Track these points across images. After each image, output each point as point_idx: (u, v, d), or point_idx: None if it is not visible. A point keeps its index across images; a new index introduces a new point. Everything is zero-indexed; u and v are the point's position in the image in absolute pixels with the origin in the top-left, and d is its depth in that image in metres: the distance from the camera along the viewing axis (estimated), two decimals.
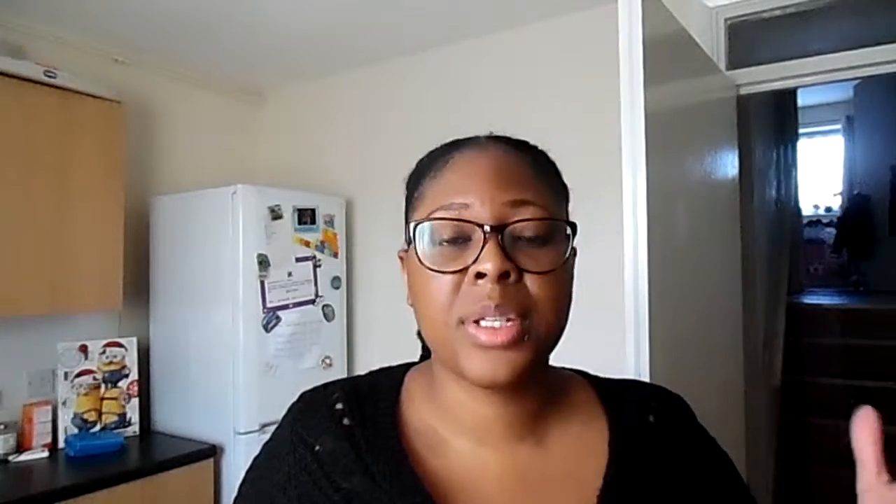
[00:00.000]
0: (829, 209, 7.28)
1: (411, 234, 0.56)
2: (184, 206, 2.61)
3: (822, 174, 7.25)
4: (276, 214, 2.51)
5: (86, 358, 2.45)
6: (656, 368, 1.36)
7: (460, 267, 0.53)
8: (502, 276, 0.51)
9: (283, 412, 0.65)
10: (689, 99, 1.80)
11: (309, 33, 2.59)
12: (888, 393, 3.44)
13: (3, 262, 2.08)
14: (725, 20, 2.17)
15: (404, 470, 0.56)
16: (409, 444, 0.59)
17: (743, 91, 2.11)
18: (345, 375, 2.65)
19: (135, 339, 2.59)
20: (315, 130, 3.17)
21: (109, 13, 2.37)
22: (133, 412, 2.55)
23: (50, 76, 2.19)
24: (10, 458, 2.19)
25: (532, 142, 0.64)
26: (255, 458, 0.65)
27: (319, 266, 2.68)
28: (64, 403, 2.37)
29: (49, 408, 2.34)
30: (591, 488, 0.57)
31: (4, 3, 2.26)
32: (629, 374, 1.35)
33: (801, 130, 5.29)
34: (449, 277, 0.53)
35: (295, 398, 0.66)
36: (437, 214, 0.55)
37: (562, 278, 0.55)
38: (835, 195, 7.22)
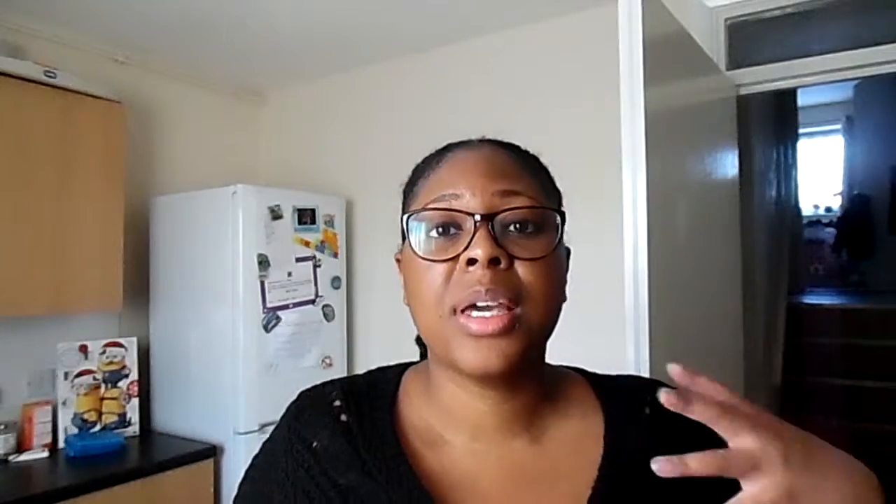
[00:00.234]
0: (829, 209, 7.27)
1: (404, 227, 0.58)
2: (184, 206, 2.61)
3: (822, 174, 7.24)
4: (276, 214, 2.51)
5: (86, 358, 2.45)
6: (656, 368, 1.36)
7: (452, 255, 0.54)
8: (493, 262, 0.52)
9: (283, 411, 0.65)
10: (689, 99, 1.80)
11: (309, 33, 2.59)
12: (888, 393, 3.44)
13: (3, 262, 2.08)
14: (725, 20, 2.17)
15: (400, 466, 0.57)
16: (406, 441, 0.60)
17: (743, 91, 2.11)
18: (344, 375, 2.65)
19: (135, 339, 2.59)
20: (315, 130, 3.17)
21: (110, 13, 2.37)
22: (133, 412, 2.55)
23: (50, 76, 2.19)
24: (10, 458, 2.19)
25: (530, 144, 0.66)
26: (255, 457, 0.66)
27: (319, 266, 2.68)
28: (64, 403, 2.37)
29: (49, 408, 2.34)
30: (585, 482, 0.57)
31: (4, 3, 2.26)
32: (625, 373, 1.35)
33: (801, 130, 5.29)
34: (441, 267, 0.55)
35: (294, 397, 0.66)
36: (430, 206, 0.57)
37: (553, 267, 0.56)
38: (835, 195, 7.21)
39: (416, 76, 2.83)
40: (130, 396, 2.55)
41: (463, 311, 0.53)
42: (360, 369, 2.88)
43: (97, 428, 2.44)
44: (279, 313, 2.50)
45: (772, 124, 3.98)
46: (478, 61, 2.65)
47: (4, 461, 2.17)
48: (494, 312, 0.52)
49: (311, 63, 2.95)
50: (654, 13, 1.46)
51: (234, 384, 2.39)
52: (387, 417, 0.61)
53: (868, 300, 4.85)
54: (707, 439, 0.65)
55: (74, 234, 2.27)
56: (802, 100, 5.03)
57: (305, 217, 2.63)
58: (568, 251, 0.63)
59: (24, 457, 2.20)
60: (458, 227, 0.55)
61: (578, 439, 0.61)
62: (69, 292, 2.26)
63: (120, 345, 2.54)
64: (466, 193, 0.55)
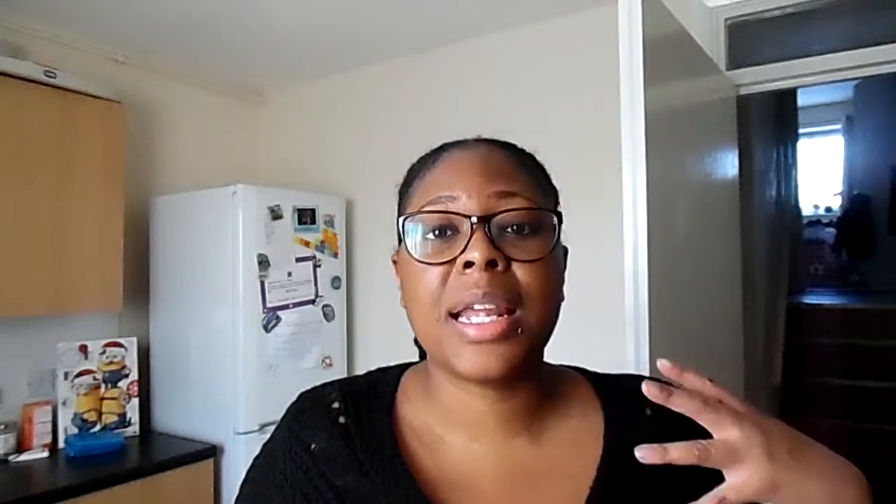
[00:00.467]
0: (829, 209, 7.27)
1: (400, 229, 0.57)
2: (184, 206, 2.61)
3: (822, 174, 7.24)
4: (276, 214, 2.51)
5: (86, 358, 2.45)
6: (656, 368, 1.36)
7: (449, 258, 0.54)
8: (490, 265, 0.52)
9: (283, 412, 0.66)
10: (689, 99, 1.80)
11: (309, 33, 2.59)
12: (888, 393, 3.44)
13: (3, 262, 2.08)
14: (725, 20, 2.17)
15: (398, 466, 0.57)
16: (405, 442, 0.60)
17: (743, 91, 2.11)
18: (345, 375, 2.65)
19: (135, 339, 2.59)
20: (315, 130, 3.17)
21: (110, 13, 2.37)
22: (133, 412, 2.55)
23: (50, 76, 2.19)
24: (10, 458, 2.19)
25: (530, 144, 0.66)
26: (255, 458, 0.66)
27: (319, 266, 2.68)
28: (64, 403, 2.37)
29: (49, 408, 2.34)
30: (584, 482, 0.57)
31: (4, 3, 2.26)
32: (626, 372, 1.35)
33: (801, 130, 5.29)
34: (438, 270, 0.54)
35: (294, 398, 0.66)
36: (426, 209, 0.56)
37: (550, 268, 0.55)
38: (835, 195, 7.21)
39: (416, 76, 2.83)
40: (130, 396, 2.55)
41: (460, 314, 0.53)
42: (360, 369, 2.88)
43: (97, 428, 2.44)
44: (279, 313, 2.50)
45: (772, 124, 3.98)
46: (478, 61, 2.65)
47: (4, 461, 2.17)
48: (494, 317, 0.52)
49: (311, 63, 2.95)
50: (654, 13, 1.46)
51: (234, 384, 2.39)
52: (385, 418, 0.61)
53: (868, 300, 4.85)
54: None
55: (74, 234, 2.27)
56: (802, 100, 5.03)
57: (305, 217, 2.63)
58: (566, 250, 0.62)
59: (24, 457, 2.20)
60: (455, 229, 0.55)
61: (578, 439, 0.61)
62: (69, 292, 2.26)
63: (120, 345, 2.54)
64: (462, 195, 0.55)
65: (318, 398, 0.64)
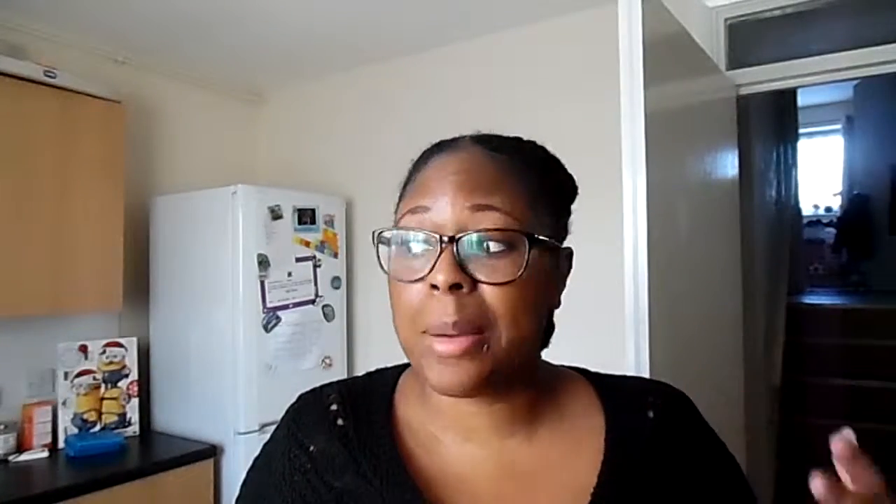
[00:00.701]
0: (829, 209, 7.28)
1: (374, 243, 0.57)
2: (184, 206, 2.61)
3: (822, 174, 7.25)
4: (276, 214, 2.51)
5: (86, 358, 2.45)
6: (656, 368, 1.36)
7: (420, 276, 0.53)
8: (455, 287, 0.51)
9: (283, 413, 0.66)
10: (689, 99, 1.80)
11: (309, 33, 2.59)
12: (888, 393, 3.44)
13: (3, 262, 2.08)
14: (725, 20, 2.17)
15: (395, 467, 0.57)
16: (402, 443, 0.60)
17: (743, 91, 2.11)
18: (345, 376, 2.65)
19: (135, 339, 2.59)
20: (315, 130, 3.17)
21: (109, 13, 2.37)
22: (133, 412, 2.55)
23: (50, 76, 2.19)
24: (10, 458, 2.19)
25: (530, 138, 0.64)
26: (255, 459, 0.66)
27: (319, 266, 2.68)
28: (64, 403, 2.37)
29: (49, 408, 2.34)
30: (585, 484, 0.57)
31: (4, 3, 2.26)
32: (629, 374, 1.35)
33: (801, 130, 5.29)
34: (413, 286, 0.54)
35: (294, 399, 0.66)
36: (405, 219, 0.55)
37: (523, 288, 0.53)
38: (835, 195, 7.22)
39: (416, 76, 2.83)
40: (130, 396, 2.55)
41: (431, 332, 0.53)
42: (360, 369, 2.88)
43: (97, 428, 2.44)
44: (279, 313, 2.50)
45: (772, 124, 3.98)
46: (478, 61, 2.65)
47: (4, 461, 2.17)
48: (461, 338, 0.51)
49: (311, 63, 2.95)
50: (654, 13, 1.46)
51: (234, 384, 2.39)
52: (383, 420, 0.61)
53: (868, 300, 4.85)
54: (710, 450, 0.64)
55: (74, 234, 2.27)
56: (802, 100, 5.03)
57: (305, 217, 2.63)
58: (570, 253, 0.62)
59: (24, 457, 2.20)
60: (430, 242, 0.54)
61: (577, 441, 0.60)
62: (69, 292, 2.26)
63: (120, 345, 2.54)
64: (437, 206, 0.54)
65: (317, 400, 0.64)
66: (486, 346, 0.52)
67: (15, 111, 2.12)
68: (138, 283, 2.66)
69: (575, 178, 0.65)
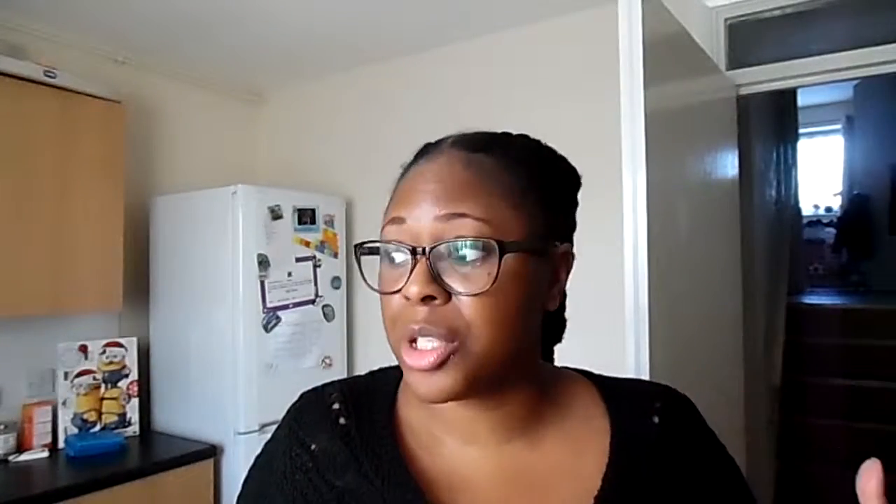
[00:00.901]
0: (829, 209, 7.28)
1: (355, 257, 0.58)
2: (184, 206, 2.61)
3: (822, 174, 7.25)
4: (276, 214, 2.51)
5: (86, 358, 2.45)
6: (656, 368, 1.36)
7: (398, 287, 0.53)
8: (428, 298, 0.51)
9: (284, 412, 0.66)
10: (689, 99, 1.80)
11: (309, 33, 2.59)
12: (888, 393, 3.44)
13: (3, 262, 2.08)
14: (725, 20, 2.17)
15: (396, 467, 0.57)
16: (404, 443, 0.60)
17: (743, 91, 2.11)
18: (345, 375, 2.65)
19: (135, 339, 2.59)
20: (315, 130, 3.17)
21: (109, 13, 2.37)
22: (133, 412, 2.55)
23: (50, 76, 2.19)
24: (10, 458, 2.19)
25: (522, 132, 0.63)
26: (256, 458, 0.66)
27: (319, 266, 2.68)
28: (64, 403, 2.37)
29: (49, 408, 2.34)
30: (588, 488, 0.57)
31: (4, 3, 2.26)
32: (629, 374, 1.35)
33: (801, 130, 5.29)
34: (393, 296, 0.54)
35: (295, 398, 0.66)
36: (385, 230, 0.56)
37: (499, 297, 0.51)
38: (835, 195, 7.22)
39: (416, 76, 2.83)
40: (130, 396, 2.55)
41: (405, 342, 0.53)
42: (361, 369, 2.88)
43: (97, 428, 2.44)
44: (279, 313, 2.50)
45: (772, 124, 3.98)
46: (478, 61, 2.65)
47: (4, 461, 2.17)
48: (434, 344, 0.51)
49: (311, 63, 2.95)
50: (654, 13, 1.46)
51: (234, 384, 2.39)
52: (385, 419, 0.61)
53: (868, 300, 4.85)
54: (712, 454, 0.64)
55: (74, 233, 2.27)
56: (802, 100, 5.03)
57: (305, 217, 2.63)
58: (567, 250, 0.60)
59: (24, 457, 2.20)
60: (406, 253, 0.53)
61: (581, 444, 0.60)
62: (69, 292, 2.26)
63: (120, 345, 2.54)
64: (411, 217, 0.53)
65: (319, 399, 0.64)
66: (454, 355, 0.51)
67: (15, 111, 2.12)
68: (138, 283, 2.66)
69: (578, 171, 0.64)
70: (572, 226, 0.63)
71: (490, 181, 0.54)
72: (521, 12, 2.42)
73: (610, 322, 1.56)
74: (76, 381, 2.41)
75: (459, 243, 0.51)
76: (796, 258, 5.00)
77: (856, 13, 2.00)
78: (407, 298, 0.51)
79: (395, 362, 0.70)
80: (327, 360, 2.69)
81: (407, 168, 0.60)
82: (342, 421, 0.61)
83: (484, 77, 2.62)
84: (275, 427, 0.66)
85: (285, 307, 2.52)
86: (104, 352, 2.49)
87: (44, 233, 2.19)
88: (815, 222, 6.94)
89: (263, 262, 2.45)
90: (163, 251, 2.67)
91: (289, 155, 3.27)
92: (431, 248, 0.52)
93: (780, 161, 4.32)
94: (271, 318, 2.47)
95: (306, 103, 3.20)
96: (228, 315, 2.41)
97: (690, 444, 0.63)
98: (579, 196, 0.64)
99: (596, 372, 0.68)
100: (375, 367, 0.69)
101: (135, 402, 2.55)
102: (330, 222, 2.75)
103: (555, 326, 0.68)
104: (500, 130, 0.62)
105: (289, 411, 0.65)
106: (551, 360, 0.71)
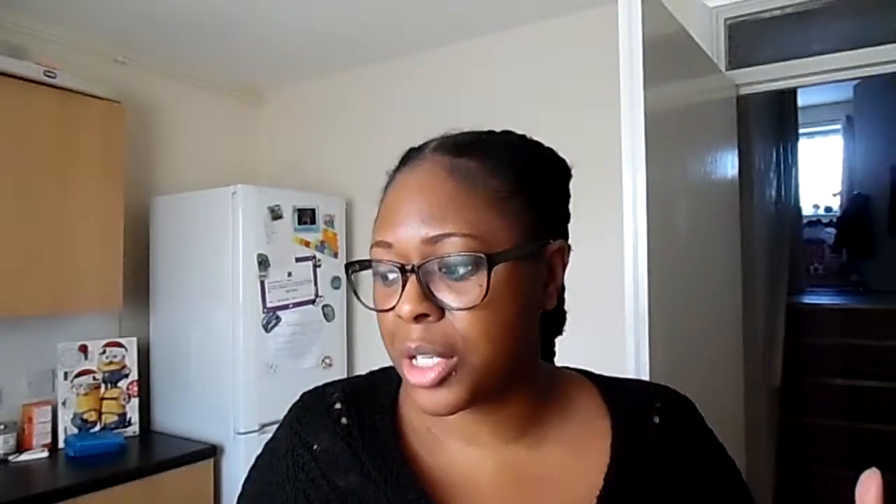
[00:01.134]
0: (829, 209, 7.29)
1: (347, 276, 0.58)
2: (184, 206, 2.61)
3: (822, 174, 7.25)
4: (276, 214, 2.51)
5: (86, 358, 2.45)
6: (656, 368, 1.36)
7: (391, 305, 0.53)
8: (421, 317, 0.51)
9: (284, 412, 0.66)
10: (689, 99, 1.80)
11: (309, 33, 2.59)
12: (888, 393, 3.44)
13: (3, 262, 2.08)
14: (725, 20, 2.17)
15: (399, 467, 0.57)
16: (406, 443, 0.60)
17: (743, 91, 2.11)
18: (345, 375, 2.65)
19: (135, 339, 2.59)
20: (315, 130, 3.17)
21: (109, 13, 2.37)
22: (133, 412, 2.55)
23: (50, 76, 2.19)
24: (10, 458, 2.19)
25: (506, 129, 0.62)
26: (258, 458, 0.66)
27: (319, 266, 2.68)
28: (64, 403, 2.37)
29: (49, 408, 2.34)
30: (590, 489, 0.57)
31: (4, 3, 2.26)
32: (629, 375, 1.35)
33: (801, 130, 5.30)
34: (388, 314, 0.53)
35: (296, 398, 0.66)
36: (373, 250, 0.55)
37: (493, 308, 0.51)
38: (835, 195, 7.22)
39: (416, 76, 2.83)
40: (130, 396, 2.55)
41: (405, 358, 0.53)
42: (361, 369, 2.88)
43: (97, 428, 2.44)
44: (279, 313, 2.50)
45: (772, 124, 3.98)
46: (478, 61, 2.65)
47: (4, 461, 2.17)
48: (433, 360, 0.51)
49: (311, 63, 2.95)
50: (654, 13, 1.46)
51: (234, 384, 2.39)
52: (387, 419, 0.61)
53: (868, 300, 4.85)
54: (712, 456, 0.64)
55: (74, 233, 2.27)
56: (802, 100, 5.04)
57: (305, 217, 2.63)
58: (561, 246, 0.58)
59: (24, 457, 2.20)
60: (396, 271, 0.53)
61: (582, 445, 0.60)
62: (69, 292, 2.26)
63: (120, 345, 2.54)
64: (398, 238, 0.53)
65: (321, 399, 0.64)
66: (455, 371, 0.51)
67: (15, 111, 2.12)
68: (138, 283, 2.66)
69: (573, 179, 0.63)
70: (566, 218, 0.62)
71: (475, 189, 0.53)
72: (521, 12, 2.42)
73: (610, 322, 1.56)
74: (76, 381, 2.41)
75: (447, 259, 0.51)
76: (796, 258, 5.00)
77: (856, 13, 2.00)
78: (400, 317, 0.51)
79: None
80: (327, 360, 2.69)
81: (392, 176, 0.59)
82: (344, 421, 0.61)
83: (484, 77, 2.62)
84: (275, 427, 0.66)
85: (285, 307, 2.52)
86: (104, 352, 2.49)
87: (44, 233, 2.19)
88: (815, 222, 6.94)
89: (263, 262, 2.45)
90: (163, 251, 2.67)
91: (289, 155, 3.27)
92: (420, 266, 0.51)
93: (780, 161, 4.32)
94: (271, 318, 2.47)
95: (306, 103, 3.20)
96: (228, 315, 2.41)
97: (690, 444, 0.63)
98: (571, 188, 0.63)
99: (596, 372, 0.68)
100: (375, 367, 0.68)
101: (135, 402, 2.55)
102: (330, 222, 2.75)
103: (555, 320, 0.68)
104: (484, 129, 0.61)
105: (290, 411, 0.65)
106: (552, 352, 0.71)
